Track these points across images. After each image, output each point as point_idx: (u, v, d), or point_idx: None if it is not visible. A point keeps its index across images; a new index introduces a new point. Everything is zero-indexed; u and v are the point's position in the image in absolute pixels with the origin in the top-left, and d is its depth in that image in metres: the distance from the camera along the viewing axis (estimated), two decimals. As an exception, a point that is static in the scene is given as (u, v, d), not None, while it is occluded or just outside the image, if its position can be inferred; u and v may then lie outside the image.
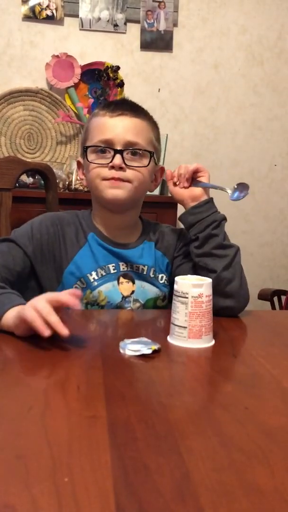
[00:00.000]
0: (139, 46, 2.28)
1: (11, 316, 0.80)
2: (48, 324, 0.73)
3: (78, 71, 2.19)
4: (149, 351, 0.74)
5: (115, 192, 1.00)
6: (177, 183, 1.07)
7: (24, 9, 2.16)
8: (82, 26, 2.22)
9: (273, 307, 1.99)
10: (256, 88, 2.42)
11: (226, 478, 0.44)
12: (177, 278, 0.82)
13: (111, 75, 2.18)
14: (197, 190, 1.05)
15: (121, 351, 0.75)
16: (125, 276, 1.06)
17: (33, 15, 2.16)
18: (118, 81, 2.20)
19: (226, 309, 0.98)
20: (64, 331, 0.73)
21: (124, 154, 0.99)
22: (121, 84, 2.21)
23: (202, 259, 1.02)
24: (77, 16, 2.20)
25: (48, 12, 2.17)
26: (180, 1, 2.28)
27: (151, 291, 1.08)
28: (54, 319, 0.73)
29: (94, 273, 1.03)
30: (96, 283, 1.03)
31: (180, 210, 1.11)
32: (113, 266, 1.05)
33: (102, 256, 1.05)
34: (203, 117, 2.39)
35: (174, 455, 0.47)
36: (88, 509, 0.39)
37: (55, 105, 2.19)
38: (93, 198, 1.08)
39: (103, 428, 0.52)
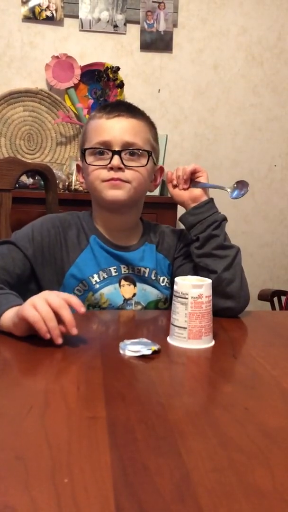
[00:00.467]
0: (139, 46, 2.28)
1: (9, 316, 0.80)
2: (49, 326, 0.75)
3: (78, 71, 2.19)
4: (149, 352, 0.74)
5: (115, 193, 1.00)
6: (177, 185, 1.07)
7: (24, 10, 2.16)
8: (82, 27, 2.22)
9: (273, 308, 1.99)
10: (256, 89, 2.42)
11: (226, 478, 0.44)
12: (177, 279, 0.82)
13: (111, 75, 2.18)
14: (196, 191, 1.05)
15: (121, 351, 0.75)
16: (126, 278, 1.06)
17: (33, 16, 2.16)
18: (118, 82, 2.20)
19: (227, 309, 0.98)
20: (71, 331, 0.76)
21: (122, 154, 0.99)
22: (121, 85, 2.21)
23: (203, 260, 1.02)
24: (77, 17, 2.20)
25: (48, 13, 2.17)
26: (180, 1, 2.28)
27: (153, 293, 1.08)
28: (53, 324, 0.75)
29: (96, 276, 1.03)
30: (98, 286, 1.03)
31: (180, 210, 1.11)
32: (114, 268, 1.05)
33: (103, 258, 1.05)
34: (203, 118, 2.39)
35: (174, 456, 0.47)
36: (88, 510, 0.39)
37: (55, 106, 2.19)
38: (93, 200, 1.08)
39: (103, 429, 0.52)
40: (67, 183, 1.96)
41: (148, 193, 1.11)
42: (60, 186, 1.91)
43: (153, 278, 1.08)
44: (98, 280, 1.03)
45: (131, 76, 2.28)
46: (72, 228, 1.06)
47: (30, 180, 1.94)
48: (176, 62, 2.33)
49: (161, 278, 1.09)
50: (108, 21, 2.23)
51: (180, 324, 0.80)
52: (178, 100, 2.35)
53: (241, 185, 1.08)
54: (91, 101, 2.18)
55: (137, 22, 2.25)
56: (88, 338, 0.82)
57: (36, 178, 1.90)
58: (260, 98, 2.43)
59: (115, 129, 1.01)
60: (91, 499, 0.40)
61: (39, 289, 1.01)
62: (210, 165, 2.40)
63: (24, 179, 1.91)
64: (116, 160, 0.99)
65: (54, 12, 2.17)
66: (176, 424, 0.54)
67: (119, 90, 2.21)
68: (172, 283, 1.09)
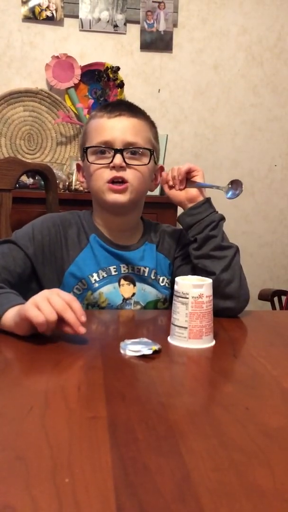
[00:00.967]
0: (139, 46, 2.28)
1: (11, 315, 0.80)
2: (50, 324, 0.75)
3: (78, 71, 2.19)
4: (150, 352, 0.74)
5: (116, 197, 1.00)
6: (173, 185, 1.06)
7: (24, 10, 2.16)
8: (82, 27, 2.22)
9: (273, 308, 1.99)
10: (256, 89, 2.42)
11: (226, 478, 0.44)
12: (177, 279, 0.82)
13: (111, 75, 2.18)
14: (193, 191, 1.05)
15: (122, 351, 0.75)
16: (126, 278, 1.05)
17: (33, 16, 2.16)
18: (118, 81, 2.20)
19: (226, 310, 0.98)
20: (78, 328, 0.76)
21: (124, 153, 1.00)
22: (121, 85, 2.21)
23: (201, 261, 1.02)
24: (77, 17, 2.20)
25: (48, 13, 2.17)
26: (180, 1, 2.28)
27: (152, 293, 1.08)
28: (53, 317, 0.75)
29: (95, 275, 1.03)
30: (97, 285, 1.03)
31: (180, 210, 1.11)
32: (114, 268, 1.05)
33: (103, 257, 1.05)
34: (203, 118, 2.39)
35: (174, 456, 0.47)
36: (89, 510, 0.39)
37: (55, 106, 2.19)
38: (93, 200, 1.08)
39: (103, 429, 0.52)
40: (67, 183, 1.96)
41: (149, 193, 1.11)
42: (61, 186, 1.91)
43: (153, 277, 1.08)
44: (97, 279, 1.03)
45: (131, 76, 2.28)
46: (72, 227, 1.06)
47: (30, 180, 1.94)
48: (176, 62, 2.33)
49: (161, 278, 1.09)
50: (108, 21, 2.23)
51: (180, 324, 0.80)
52: (178, 100, 2.35)
53: (236, 184, 1.07)
54: (91, 101, 2.18)
55: (137, 22, 2.25)
56: (89, 338, 0.82)
57: (36, 178, 1.90)
58: (260, 98, 2.43)
59: (117, 128, 1.01)
60: (92, 499, 0.40)
61: (40, 288, 1.01)
62: (210, 165, 2.40)
63: (24, 179, 1.91)
64: (118, 159, 0.99)
65: (54, 12, 2.17)
66: (177, 424, 0.54)
67: (119, 90, 2.21)
68: (172, 283, 1.09)
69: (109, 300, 1.03)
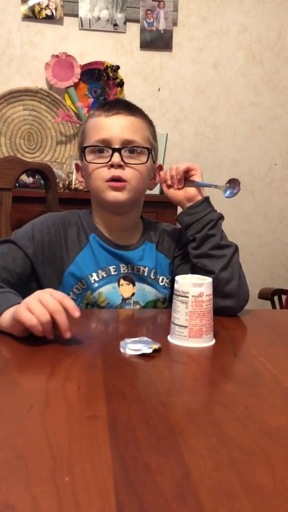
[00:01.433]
0: (139, 45, 2.28)
1: (8, 316, 0.80)
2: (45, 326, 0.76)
3: (77, 70, 2.19)
4: (150, 351, 0.74)
5: (116, 194, 1.00)
6: (171, 185, 1.06)
7: (24, 8, 2.15)
8: (82, 26, 2.21)
9: (274, 307, 1.99)
10: (256, 88, 2.42)
11: (226, 477, 0.44)
12: (177, 278, 0.82)
13: (110, 74, 2.18)
14: (191, 190, 1.05)
15: (122, 350, 0.75)
16: (125, 278, 1.05)
17: (32, 15, 2.16)
18: (118, 80, 2.20)
19: (226, 309, 0.98)
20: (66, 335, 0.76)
21: (122, 152, 0.99)
22: (121, 84, 2.21)
23: (200, 260, 1.01)
24: (76, 15, 2.20)
25: (48, 12, 2.17)
26: (180, 0, 2.28)
27: (151, 293, 1.07)
28: (49, 326, 0.76)
29: (94, 274, 1.03)
30: (96, 285, 1.03)
31: (180, 209, 1.11)
32: (113, 267, 1.05)
33: (103, 257, 1.05)
34: (203, 117, 2.39)
35: (174, 455, 0.47)
36: (89, 509, 0.39)
37: (55, 105, 2.18)
38: (93, 199, 1.08)
39: (103, 428, 0.52)
40: (67, 182, 1.96)
41: (148, 192, 1.11)
42: (60, 185, 1.91)
43: (152, 277, 1.08)
44: (96, 279, 1.03)
45: (131, 75, 2.28)
46: (72, 226, 1.06)
47: (30, 179, 1.94)
48: (176, 61, 2.33)
49: (160, 278, 1.09)
50: (108, 20, 2.22)
51: (180, 322, 0.80)
52: (178, 99, 2.35)
53: (233, 183, 1.07)
54: (91, 100, 2.18)
55: (137, 21, 2.25)
56: (89, 337, 0.82)
57: (36, 177, 1.90)
58: (260, 97, 2.43)
59: (114, 127, 1.01)
60: (92, 498, 0.40)
61: (40, 288, 1.00)
62: (210, 164, 2.40)
63: (24, 178, 1.91)
64: (116, 158, 0.99)
65: (53, 11, 2.17)
66: (177, 423, 0.54)
67: (119, 89, 2.21)
68: (172, 282, 1.09)
69: (108, 300, 1.03)
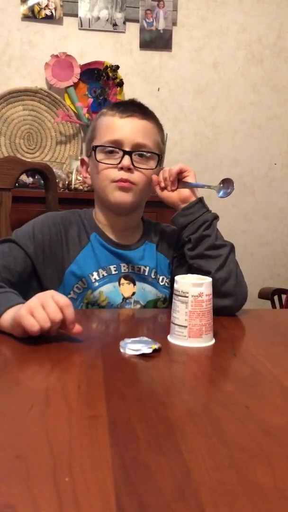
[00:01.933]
0: (139, 45, 2.28)
1: (8, 317, 0.80)
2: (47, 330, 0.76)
3: (77, 70, 2.19)
4: (150, 351, 0.74)
5: (122, 195, 1.01)
6: (165, 187, 1.05)
7: (23, 8, 2.15)
8: (81, 26, 2.21)
9: (274, 306, 1.99)
10: (256, 87, 2.42)
11: (226, 477, 0.44)
12: (177, 278, 0.82)
13: (110, 74, 2.18)
14: (185, 191, 1.05)
15: (122, 350, 0.75)
16: (126, 277, 1.06)
17: (32, 15, 2.16)
18: (118, 80, 2.20)
19: (224, 308, 0.98)
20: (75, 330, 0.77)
21: (133, 155, 1.00)
22: (121, 84, 2.21)
23: (196, 261, 1.02)
24: (76, 15, 2.20)
25: (47, 12, 2.17)
26: (179, 0, 2.28)
27: (152, 292, 1.08)
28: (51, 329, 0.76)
29: (95, 274, 1.03)
30: (97, 284, 1.03)
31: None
32: (114, 267, 1.05)
33: (104, 256, 1.05)
34: (203, 116, 2.39)
35: (174, 454, 0.47)
36: (89, 509, 0.39)
37: (54, 105, 2.18)
38: (96, 198, 1.08)
39: (103, 428, 0.52)
40: (67, 182, 1.96)
41: None
42: (60, 185, 1.91)
43: (153, 277, 1.08)
44: (97, 278, 1.03)
45: (130, 75, 2.28)
46: (73, 225, 1.06)
47: (30, 179, 1.94)
48: (176, 61, 2.33)
49: (160, 278, 1.09)
50: (107, 20, 2.22)
51: (180, 322, 0.80)
52: (178, 98, 2.35)
53: (227, 183, 1.06)
54: (90, 100, 2.18)
55: (137, 21, 2.25)
56: (89, 337, 0.82)
57: (36, 177, 1.90)
58: (260, 97, 2.43)
59: (127, 128, 1.01)
60: (92, 497, 0.40)
61: (40, 287, 1.01)
62: (210, 163, 2.40)
63: (24, 178, 1.91)
64: (126, 161, 0.99)
65: (53, 10, 2.17)
66: (177, 423, 0.54)
67: (118, 88, 2.21)
68: (172, 282, 1.09)
69: (109, 299, 1.03)
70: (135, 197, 1.02)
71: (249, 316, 1.02)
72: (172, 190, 1.05)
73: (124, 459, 0.46)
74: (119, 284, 1.05)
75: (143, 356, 0.73)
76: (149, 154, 1.02)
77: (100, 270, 1.03)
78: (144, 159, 1.02)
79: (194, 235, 1.01)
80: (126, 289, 1.05)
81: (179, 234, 1.12)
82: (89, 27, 2.22)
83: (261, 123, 2.44)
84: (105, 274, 1.04)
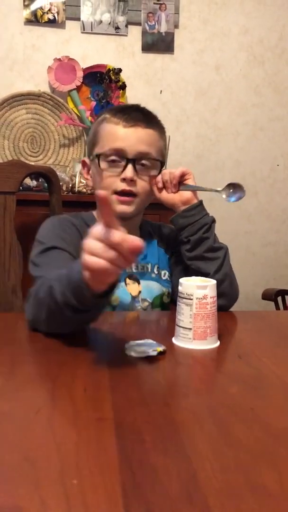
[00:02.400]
0: (141, 48, 2.28)
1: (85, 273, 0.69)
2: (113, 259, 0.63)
3: (80, 74, 2.20)
4: (155, 353, 0.74)
5: (123, 208, 1.02)
6: (164, 189, 1.05)
7: (26, 13, 2.17)
8: (84, 29, 2.22)
9: (277, 307, 1.99)
10: (258, 89, 2.42)
11: (233, 479, 0.44)
12: (181, 280, 0.83)
13: (113, 77, 2.19)
14: (187, 194, 1.06)
15: (126, 353, 0.75)
16: (130, 277, 1.07)
17: (35, 19, 2.17)
18: (120, 83, 2.21)
19: (219, 307, 0.98)
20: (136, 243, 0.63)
21: (136, 164, 1.01)
22: (123, 87, 2.22)
23: (194, 263, 1.04)
24: (78, 19, 2.21)
25: (50, 16, 2.18)
26: (181, 2, 2.29)
27: (157, 288, 1.10)
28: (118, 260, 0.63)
29: None
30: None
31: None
32: None
33: None
34: (205, 118, 2.39)
35: (181, 457, 0.48)
36: (97, 511, 0.40)
37: (57, 108, 2.19)
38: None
39: (110, 430, 0.52)
40: (70, 185, 1.96)
41: None
42: (64, 188, 1.92)
43: (155, 272, 1.10)
44: None
45: (133, 78, 2.29)
46: (82, 228, 1.05)
47: (34, 183, 1.94)
48: (178, 63, 2.34)
49: (163, 272, 1.12)
50: (109, 23, 2.23)
51: (185, 325, 0.81)
52: (180, 101, 2.36)
53: (235, 188, 1.06)
54: (93, 103, 2.19)
55: (139, 24, 2.26)
56: (94, 340, 0.83)
57: (40, 180, 1.90)
58: (262, 98, 2.43)
59: (131, 138, 1.01)
60: (100, 499, 0.41)
61: None
62: (213, 165, 2.41)
63: (28, 181, 1.92)
64: (129, 172, 1.00)
65: (56, 15, 2.18)
66: (183, 425, 0.55)
67: (121, 91, 2.22)
68: (171, 276, 1.12)
69: (120, 298, 1.05)
70: (137, 207, 1.04)
71: (253, 318, 1.02)
72: (173, 192, 1.06)
73: (131, 461, 0.47)
74: (125, 284, 1.06)
75: (148, 358, 0.74)
76: (152, 162, 1.03)
77: None
78: (147, 168, 1.03)
79: (194, 236, 1.03)
80: (132, 288, 1.07)
81: (177, 233, 1.14)
82: (92, 30, 2.23)
83: (263, 124, 2.45)
84: None
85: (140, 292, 1.07)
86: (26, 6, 2.16)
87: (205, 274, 0.99)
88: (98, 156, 1.03)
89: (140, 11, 2.25)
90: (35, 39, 2.20)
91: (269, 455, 0.49)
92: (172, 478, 0.44)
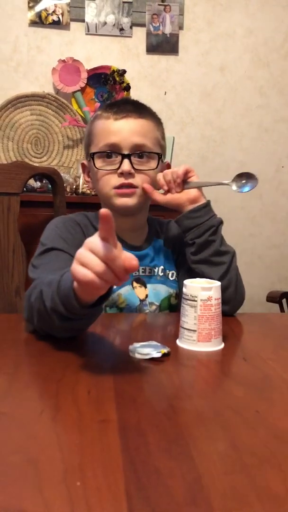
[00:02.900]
0: (145, 49, 2.28)
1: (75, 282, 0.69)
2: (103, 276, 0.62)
3: (84, 75, 2.20)
4: (159, 355, 0.74)
5: (125, 201, 0.99)
6: (168, 190, 1.03)
7: (31, 14, 2.17)
8: (88, 31, 2.23)
9: (282, 310, 1.98)
10: (262, 90, 2.42)
11: (238, 482, 0.44)
12: (185, 282, 0.82)
13: (117, 79, 2.19)
14: (193, 192, 1.02)
15: (131, 354, 0.75)
16: (137, 280, 1.06)
17: (39, 21, 2.18)
18: (125, 84, 2.21)
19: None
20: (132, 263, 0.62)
21: (132, 157, 0.98)
22: (128, 88, 2.22)
23: (199, 266, 1.01)
24: (83, 20, 2.21)
25: (54, 17, 2.18)
26: (186, 4, 2.29)
27: (163, 291, 1.08)
28: (109, 276, 0.62)
29: None
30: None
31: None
32: None
33: None
34: (210, 120, 2.39)
35: (185, 459, 0.47)
36: (101, 513, 0.39)
37: (61, 110, 2.20)
38: (102, 203, 1.08)
39: (114, 432, 0.52)
40: (74, 186, 1.96)
41: None
42: (68, 189, 1.92)
43: (161, 274, 1.08)
44: None
45: (137, 79, 2.29)
46: (88, 227, 1.04)
47: (38, 184, 1.94)
48: (182, 64, 2.33)
49: (170, 273, 1.10)
50: (114, 25, 2.23)
51: (189, 326, 0.80)
52: (185, 102, 2.36)
53: (245, 178, 1.03)
54: (97, 105, 2.19)
55: (143, 25, 2.26)
56: (98, 341, 0.82)
57: (44, 181, 1.90)
58: (266, 100, 2.43)
59: (124, 130, 0.99)
60: (104, 502, 0.40)
61: None
62: (217, 167, 2.40)
63: (32, 182, 1.92)
64: (126, 165, 0.98)
65: (60, 16, 2.18)
66: (187, 427, 0.54)
67: (125, 93, 2.22)
68: (178, 276, 1.10)
69: (127, 301, 1.03)
70: (139, 200, 1.00)
71: (258, 320, 1.02)
72: (177, 192, 1.03)
73: (135, 463, 0.46)
74: (133, 287, 1.05)
75: (153, 360, 0.73)
76: (148, 154, 1.00)
77: None
78: (144, 160, 1.00)
79: (199, 239, 1.00)
80: (140, 291, 1.05)
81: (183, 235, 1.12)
82: (96, 32, 2.23)
83: (268, 126, 2.44)
84: None
85: (147, 295, 1.06)
86: (30, 8, 2.17)
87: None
88: (92, 155, 1.01)
89: (145, 12, 2.25)
90: (40, 41, 2.21)
91: (274, 458, 0.48)
92: (177, 480, 0.44)
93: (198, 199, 1.03)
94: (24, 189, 1.46)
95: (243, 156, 2.44)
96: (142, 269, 1.06)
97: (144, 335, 0.88)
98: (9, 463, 0.46)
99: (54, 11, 2.18)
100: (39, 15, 2.17)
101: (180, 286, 1.09)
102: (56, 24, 2.19)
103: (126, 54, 2.28)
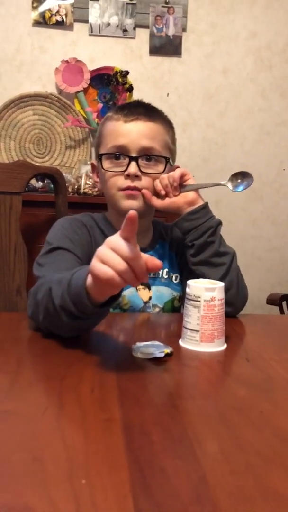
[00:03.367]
0: (148, 51, 2.29)
1: (89, 279, 0.69)
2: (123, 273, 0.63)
3: (87, 76, 2.20)
4: (162, 355, 0.74)
5: (131, 203, 0.99)
6: (165, 195, 1.02)
7: (34, 15, 2.17)
8: (92, 32, 2.23)
9: (282, 312, 1.98)
10: (265, 93, 2.42)
11: (243, 482, 0.44)
12: (189, 282, 0.82)
13: (120, 80, 2.19)
14: (191, 194, 1.02)
15: (134, 354, 0.75)
16: (141, 282, 1.05)
17: (43, 21, 2.18)
18: (127, 86, 2.21)
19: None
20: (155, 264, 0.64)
21: (139, 160, 0.98)
22: (130, 89, 2.22)
23: (199, 268, 1.01)
24: (86, 21, 2.22)
25: (58, 18, 2.19)
26: (189, 6, 2.29)
27: (167, 293, 1.08)
28: (129, 276, 0.63)
29: None
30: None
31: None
32: None
33: None
34: (212, 122, 2.39)
35: (190, 458, 0.47)
36: (106, 511, 0.39)
37: (64, 110, 2.20)
38: (108, 205, 1.08)
39: (118, 431, 0.52)
40: (76, 187, 1.96)
41: None
42: (69, 189, 1.92)
43: (165, 277, 1.08)
44: None
45: (140, 80, 2.29)
46: (93, 228, 1.04)
47: (40, 184, 1.94)
48: (185, 66, 2.34)
49: (173, 276, 1.10)
50: (117, 26, 2.24)
51: (192, 327, 0.80)
52: (187, 104, 2.36)
53: (240, 177, 1.03)
54: (100, 105, 2.19)
55: (146, 27, 2.26)
56: (101, 341, 0.82)
57: (46, 181, 1.90)
58: (269, 102, 2.43)
59: (132, 133, 0.99)
60: (109, 500, 0.40)
61: None
62: (219, 169, 2.40)
63: (34, 182, 1.92)
64: (133, 168, 0.98)
65: (64, 16, 2.19)
66: (191, 427, 0.54)
67: (128, 94, 2.22)
68: (181, 278, 1.10)
69: (131, 302, 1.03)
70: (144, 202, 1.01)
71: (260, 322, 1.02)
72: (175, 196, 1.02)
73: (140, 462, 0.46)
74: (136, 289, 1.04)
75: (155, 360, 0.73)
76: (156, 158, 1.00)
77: None
78: (152, 163, 1.00)
79: (198, 241, 1.00)
80: (143, 294, 1.05)
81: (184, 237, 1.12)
82: (99, 33, 2.23)
83: (269, 129, 2.44)
84: None
85: (150, 298, 1.06)
86: (34, 8, 2.17)
87: None
88: (100, 156, 1.02)
89: (148, 14, 2.25)
90: (43, 41, 2.21)
91: (279, 458, 0.48)
92: (182, 479, 0.44)
93: (196, 201, 1.02)
94: (26, 188, 1.46)
95: (244, 159, 2.44)
96: None
97: (147, 335, 0.88)
98: (13, 461, 0.46)
99: (57, 12, 2.18)
100: (42, 15, 2.17)
101: (183, 288, 1.09)
102: (60, 24, 2.19)
103: (129, 55, 2.28)
